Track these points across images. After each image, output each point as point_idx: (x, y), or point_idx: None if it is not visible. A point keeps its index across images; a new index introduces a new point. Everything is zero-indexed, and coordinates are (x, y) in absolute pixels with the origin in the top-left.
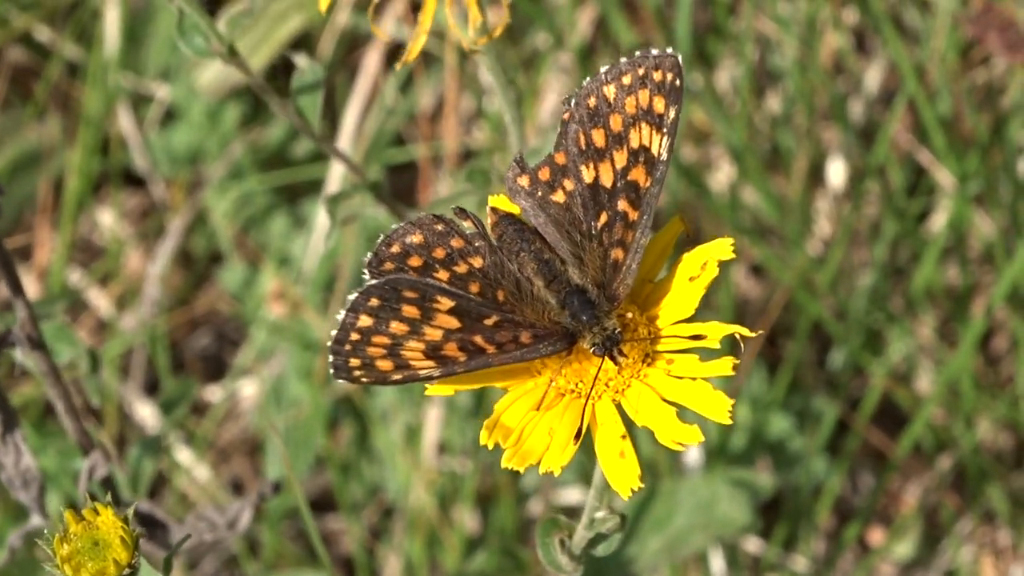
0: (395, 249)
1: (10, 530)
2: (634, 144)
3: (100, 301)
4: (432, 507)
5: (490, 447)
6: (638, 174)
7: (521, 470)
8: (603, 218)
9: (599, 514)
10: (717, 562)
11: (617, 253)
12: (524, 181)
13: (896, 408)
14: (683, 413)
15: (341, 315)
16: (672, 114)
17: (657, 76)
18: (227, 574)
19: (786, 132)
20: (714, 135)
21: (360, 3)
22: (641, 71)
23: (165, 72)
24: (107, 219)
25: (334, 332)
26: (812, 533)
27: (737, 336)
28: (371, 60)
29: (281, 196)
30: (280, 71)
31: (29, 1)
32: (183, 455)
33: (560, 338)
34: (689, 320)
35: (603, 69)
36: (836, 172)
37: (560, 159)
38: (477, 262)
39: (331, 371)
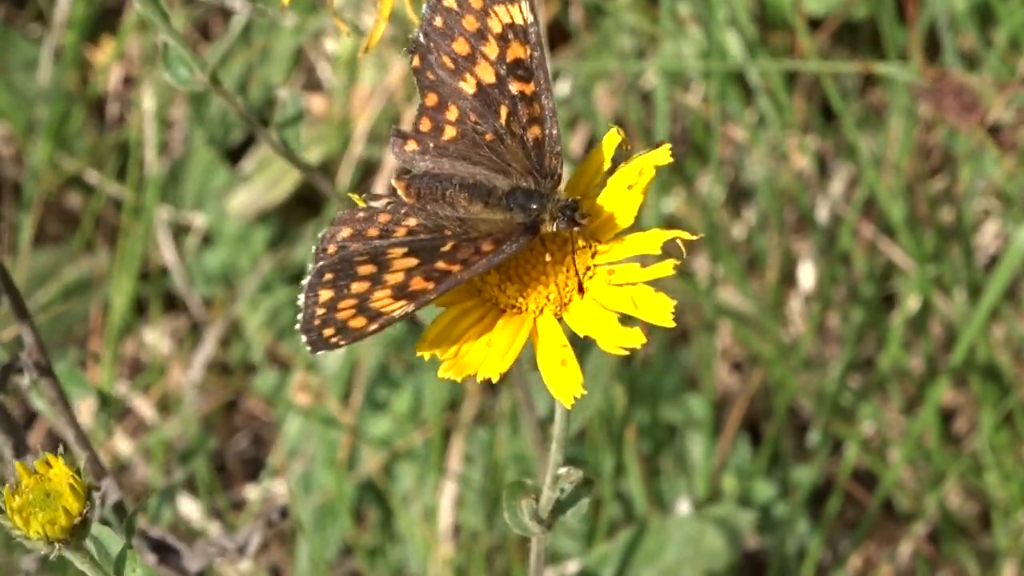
0: (332, 249)
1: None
2: (496, 29)
3: (144, 409)
4: None
5: (426, 359)
6: (515, 50)
7: (458, 379)
8: (504, 111)
9: (562, 470)
10: None
11: (534, 131)
12: (411, 145)
13: (872, 478)
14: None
15: (301, 299)
16: None
17: None
18: None
19: (761, 240)
20: (699, 244)
21: (372, 136)
22: None
23: (200, 200)
24: (150, 336)
25: (300, 316)
26: None
27: (679, 241)
28: (382, 183)
29: None
30: (302, 199)
31: (80, 148)
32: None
33: (521, 233)
34: (629, 230)
35: None
36: (806, 275)
37: (431, 100)
38: (412, 221)
39: (308, 349)
